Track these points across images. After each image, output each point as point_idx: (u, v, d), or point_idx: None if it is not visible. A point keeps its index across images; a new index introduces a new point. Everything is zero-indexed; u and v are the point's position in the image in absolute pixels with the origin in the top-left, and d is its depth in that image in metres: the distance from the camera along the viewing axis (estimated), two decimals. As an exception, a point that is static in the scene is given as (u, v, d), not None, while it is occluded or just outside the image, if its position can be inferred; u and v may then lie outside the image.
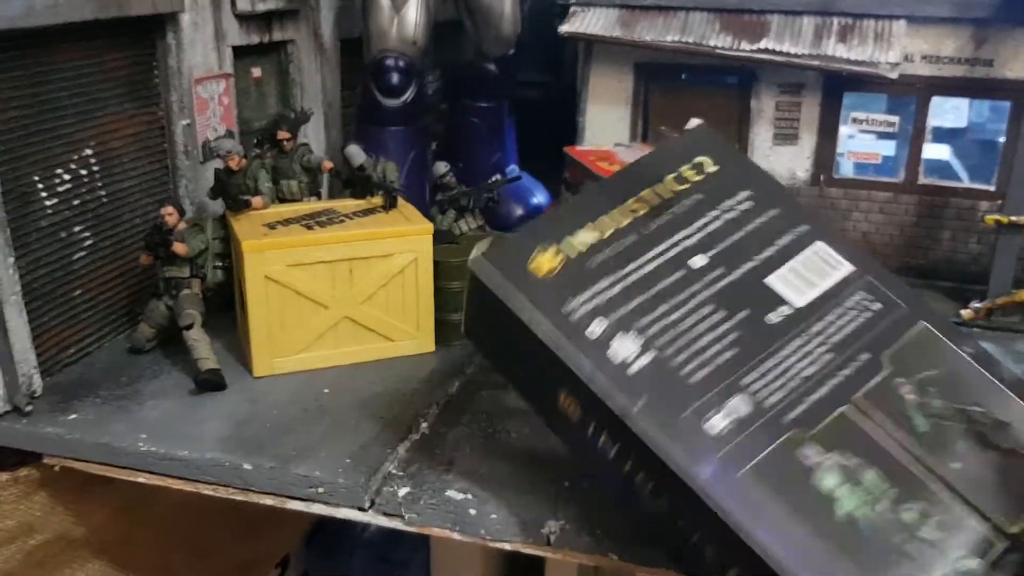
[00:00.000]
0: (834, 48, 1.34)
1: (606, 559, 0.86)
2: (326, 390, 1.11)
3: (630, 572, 1.40)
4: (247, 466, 0.96)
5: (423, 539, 1.65)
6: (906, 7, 1.34)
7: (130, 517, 1.24)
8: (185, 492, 1.30)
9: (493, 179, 1.40)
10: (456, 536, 0.90)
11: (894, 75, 1.32)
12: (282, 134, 1.25)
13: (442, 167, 1.35)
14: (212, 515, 1.40)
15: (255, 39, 1.40)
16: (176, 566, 1.37)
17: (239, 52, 1.39)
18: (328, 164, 1.26)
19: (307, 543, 1.72)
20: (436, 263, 1.19)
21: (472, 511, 0.89)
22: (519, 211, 1.65)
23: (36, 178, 1.08)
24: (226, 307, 1.24)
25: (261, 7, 1.35)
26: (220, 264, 1.21)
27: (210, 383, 1.09)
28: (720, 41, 1.37)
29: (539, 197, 1.69)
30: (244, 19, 1.36)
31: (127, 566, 1.28)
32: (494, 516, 0.89)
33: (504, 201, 1.60)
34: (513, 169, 1.67)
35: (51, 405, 1.06)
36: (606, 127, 1.51)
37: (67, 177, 1.13)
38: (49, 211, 1.11)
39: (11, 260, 1.02)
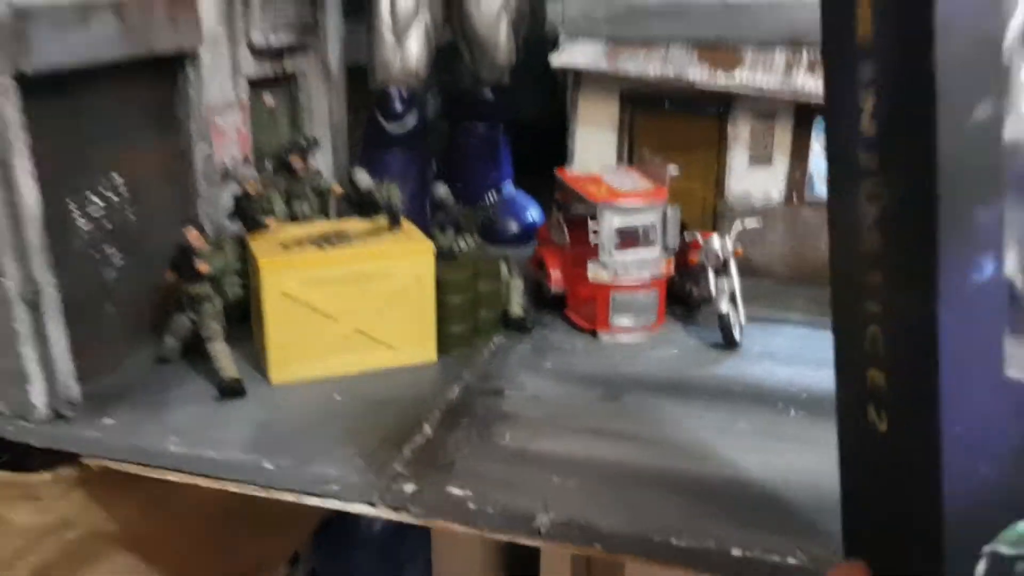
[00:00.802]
0: (803, 80, 1.45)
1: (592, 549, 0.96)
2: (337, 396, 1.21)
3: (620, 564, 1.51)
4: (269, 465, 1.06)
5: (425, 537, 1.76)
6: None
7: (155, 515, 1.34)
8: (205, 492, 1.41)
9: (491, 201, 1.50)
10: (457, 528, 1.01)
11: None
12: (295, 160, 1.36)
13: (442, 189, 1.45)
14: (230, 514, 1.51)
15: (269, 71, 1.51)
16: (196, 562, 1.47)
17: (253, 83, 1.49)
18: (337, 189, 1.37)
19: (315, 541, 1.82)
20: (437, 279, 1.30)
21: (471, 505, 0.99)
22: (514, 227, 1.76)
23: (72, 204, 1.19)
24: (242, 320, 1.34)
25: (275, 42, 1.46)
26: (239, 281, 1.31)
27: (232, 391, 1.19)
28: (698, 73, 1.48)
29: (533, 213, 1.79)
30: (258, 53, 1.47)
31: (152, 561, 1.38)
32: (491, 511, 0.99)
33: (500, 217, 1.71)
34: (506, 188, 1.77)
35: (88, 411, 1.17)
36: (594, 150, 1.62)
37: (100, 203, 1.23)
38: (84, 234, 1.21)
39: (51, 279, 1.13)
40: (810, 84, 1.43)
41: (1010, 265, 0.46)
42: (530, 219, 1.79)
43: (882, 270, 0.50)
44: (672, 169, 1.38)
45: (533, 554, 1.64)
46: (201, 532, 1.45)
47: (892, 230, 0.49)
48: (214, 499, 1.43)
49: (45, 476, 1.17)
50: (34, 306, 1.10)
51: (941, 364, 0.45)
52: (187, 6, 1.31)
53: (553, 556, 1.62)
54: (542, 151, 1.80)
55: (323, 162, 1.62)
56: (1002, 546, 0.47)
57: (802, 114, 1.51)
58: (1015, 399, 0.45)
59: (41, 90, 1.10)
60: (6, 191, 1.04)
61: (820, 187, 1.57)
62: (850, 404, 0.56)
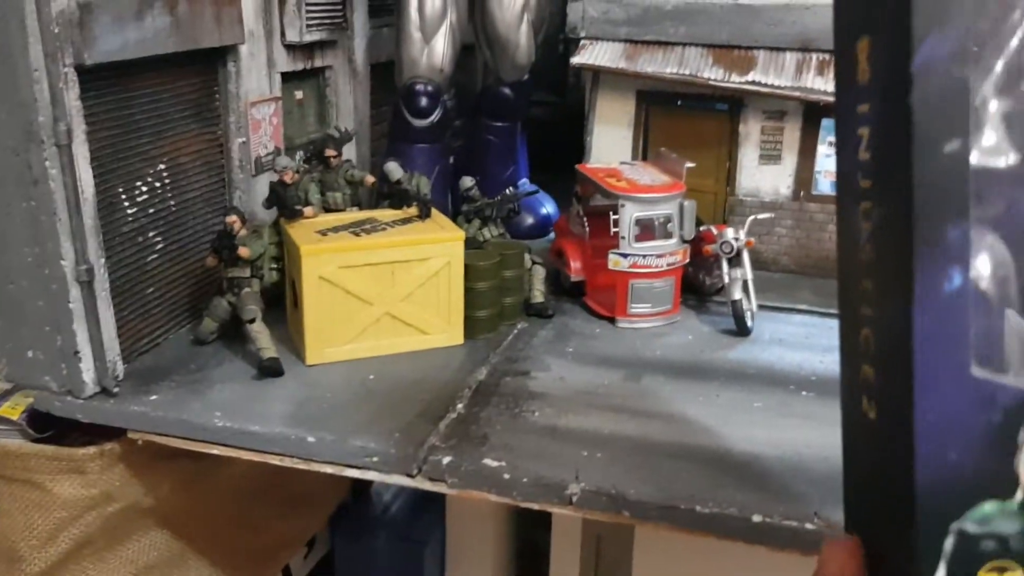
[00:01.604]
0: (813, 81, 1.52)
1: (621, 516, 1.02)
2: (371, 376, 1.27)
3: (629, 541, 1.57)
4: (311, 439, 1.12)
5: (439, 517, 1.81)
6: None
7: (188, 492, 1.39)
8: (235, 471, 1.46)
9: (514, 192, 1.56)
10: (492, 497, 1.07)
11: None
12: (329, 152, 1.42)
13: (468, 181, 1.51)
14: (256, 494, 1.56)
15: (300, 66, 1.57)
16: (223, 538, 1.52)
17: (285, 77, 1.55)
18: (371, 179, 1.43)
19: (331, 525, 1.87)
20: (465, 266, 1.36)
21: (506, 476, 1.05)
22: (530, 220, 1.83)
23: (120, 190, 1.24)
24: (273, 304, 1.39)
25: (307, 38, 1.52)
26: (275, 266, 1.37)
27: (271, 369, 1.25)
28: (713, 73, 1.55)
29: (548, 208, 1.86)
30: (292, 49, 1.53)
31: (182, 536, 1.43)
32: (525, 480, 1.05)
33: (520, 209, 1.77)
34: (525, 182, 1.84)
35: (132, 388, 1.22)
36: (611, 146, 1.68)
37: (144, 189, 1.29)
38: (130, 218, 1.27)
39: (102, 261, 1.18)
40: (819, 84, 1.50)
41: (984, 271, 0.53)
42: (544, 213, 1.85)
43: (873, 279, 0.58)
44: (688, 164, 1.44)
45: (544, 533, 1.70)
46: (229, 510, 1.50)
47: (880, 244, 0.57)
48: (243, 478, 1.50)
49: (91, 450, 1.22)
50: (87, 286, 1.15)
51: (915, 361, 0.53)
52: (231, 3, 1.37)
53: (564, 533, 1.68)
54: (554, 148, 1.87)
55: (347, 153, 1.67)
56: (969, 524, 0.52)
57: (810, 114, 1.58)
58: (980, 394, 0.52)
59: (97, 80, 1.16)
60: (67, 176, 1.09)
61: (825, 184, 1.64)
62: (849, 395, 0.63)
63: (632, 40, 1.61)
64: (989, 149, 0.52)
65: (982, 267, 0.52)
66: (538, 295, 1.48)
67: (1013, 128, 0.52)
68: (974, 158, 0.51)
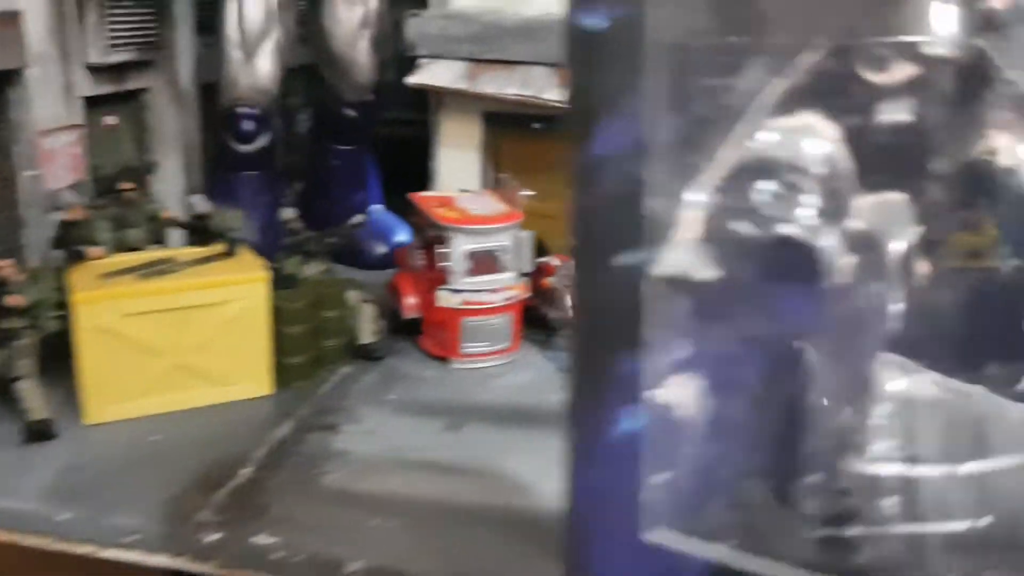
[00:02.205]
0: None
1: (403, 597, 0.91)
2: (157, 437, 1.14)
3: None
4: (66, 516, 0.99)
5: None
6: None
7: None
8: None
9: (351, 223, 1.45)
10: (262, 580, 0.94)
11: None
12: (124, 185, 1.28)
13: (289, 212, 1.39)
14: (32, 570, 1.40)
15: (108, 89, 1.43)
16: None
17: (92, 101, 1.41)
18: (167, 213, 1.30)
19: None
20: (276, 308, 1.23)
21: (278, 554, 0.93)
22: (382, 248, 1.71)
23: None
24: (64, 354, 1.25)
25: (115, 59, 1.39)
26: (58, 314, 1.23)
27: (39, 433, 1.11)
28: (557, 94, 1.45)
29: (401, 235, 1.74)
30: (97, 70, 1.39)
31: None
32: (298, 559, 0.93)
33: (367, 239, 1.66)
34: (374, 209, 1.72)
35: None
36: (458, 172, 1.58)
37: (-99, 232, 1.15)
38: None
39: None
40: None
41: (675, 402, 0.42)
42: (398, 240, 1.73)
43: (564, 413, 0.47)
44: (524, 192, 1.34)
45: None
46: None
47: (568, 372, 0.46)
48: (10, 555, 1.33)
49: None
50: None
51: (579, 522, 0.44)
52: (10, 24, 1.23)
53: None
54: (416, 168, 1.75)
55: (173, 185, 1.54)
56: None
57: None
58: (657, 564, 0.42)
59: None
60: None
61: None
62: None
63: (474, 59, 1.51)
64: (684, 259, 0.42)
65: (673, 398, 0.42)
66: (366, 335, 1.36)
67: (714, 236, 0.42)
68: (668, 268, 0.41)
